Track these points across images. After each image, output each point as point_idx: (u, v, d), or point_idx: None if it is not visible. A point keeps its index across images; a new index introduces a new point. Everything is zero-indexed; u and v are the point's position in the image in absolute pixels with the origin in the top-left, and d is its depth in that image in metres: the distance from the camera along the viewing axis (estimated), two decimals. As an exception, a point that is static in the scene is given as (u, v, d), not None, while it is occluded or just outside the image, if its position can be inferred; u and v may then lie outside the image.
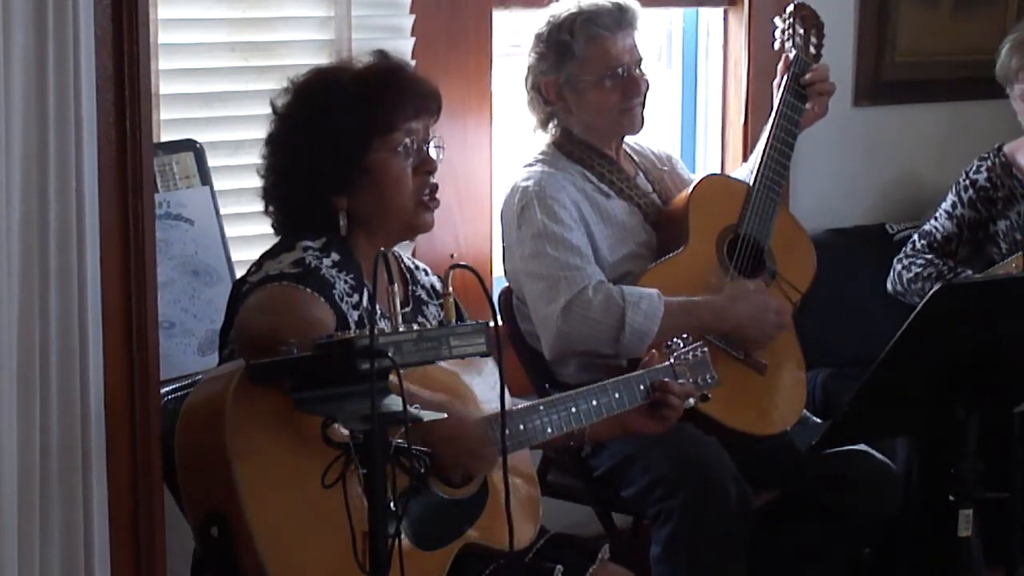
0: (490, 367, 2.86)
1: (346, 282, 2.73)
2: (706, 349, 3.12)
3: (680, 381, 3.03)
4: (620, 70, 3.50)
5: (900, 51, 4.75)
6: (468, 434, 2.66)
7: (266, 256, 2.79)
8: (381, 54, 2.89)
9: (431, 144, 2.85)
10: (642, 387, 2.99)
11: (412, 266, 3.00)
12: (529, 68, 3.57)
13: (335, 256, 2.74)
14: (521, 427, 2.81)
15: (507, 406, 2.86)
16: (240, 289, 2.76)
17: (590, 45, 3.49)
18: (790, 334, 3.61)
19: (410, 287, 2.93)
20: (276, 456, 2.48)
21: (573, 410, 2.89)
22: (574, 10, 3.51)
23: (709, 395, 3.12)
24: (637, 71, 3.54)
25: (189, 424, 2.56)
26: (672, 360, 3.05)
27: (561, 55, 3.51)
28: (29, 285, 2.62)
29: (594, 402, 2.92)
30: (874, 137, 4.74)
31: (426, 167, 2.84)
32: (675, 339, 3.11)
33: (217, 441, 2.44)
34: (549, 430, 2.85)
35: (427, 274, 3.01)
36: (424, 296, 2.96)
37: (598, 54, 3.50)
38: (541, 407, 2.86)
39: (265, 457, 2.47)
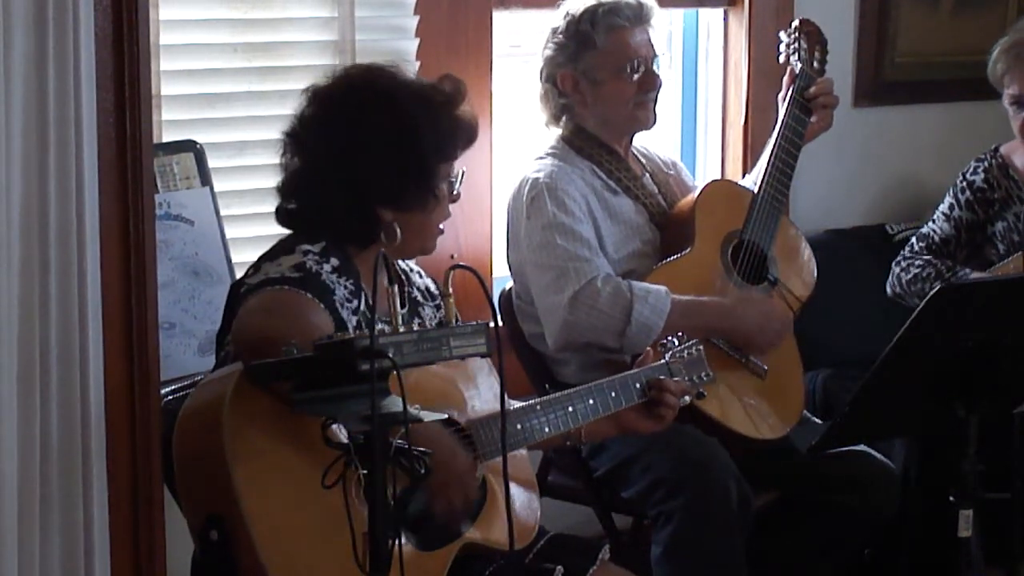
0: (484, 371, 2.86)
1: (345, 287, 2.71)
2: (701, 347, 3.13)
3: (675, 379, 3.04)
4: (638, 63, 3.52)
5: (900, 51, 4.75)
6: (455, 463, 2.63)
7: (264, 259, 2.76)
8: (450, 78, 2.87)
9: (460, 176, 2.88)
10: (638, 385, 3.00)
11: (406, 268, 2.99)
12: (545, 61, 3.58)
13: (334, 261, 2.72)
14: (518, 426, 2.82)
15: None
16: (238, 291, 2.73)
17: (610, 36, 3.50)
18: (789, 338, 3.61)
19: (406, 288, 2.93)
20: (275, 459, 2.48)
21: (570, 409, 2.89)
22: (594, 2, 3.52)
23: (704, 392, 3.13)
24: (653, 66, 3.56)
25: (187, 428, 2.55)
26: (667, 358, 3.06)
27: (581, 46, 3.52)
28: (29, 285, 2.62)
29: (591, 401, 2.93)
30: (874, 138, 4.74)
31: (455, 198, 2.87)
32: (670, 337, 3.12)
33: (215, 445, 2.44)
34: (547, 429, 2.86)
35: (421, 276, 3.01)
36: (420, 298, 2.96)
37: (618, 45, 3.51)
38: (538, 407, 2.87)
39: (264, 460, 2.47)
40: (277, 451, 2.48)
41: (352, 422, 2.24)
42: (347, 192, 2.75)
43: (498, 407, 2.86)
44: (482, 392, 2.83)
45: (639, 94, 3.54)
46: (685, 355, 3.09)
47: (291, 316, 2.58)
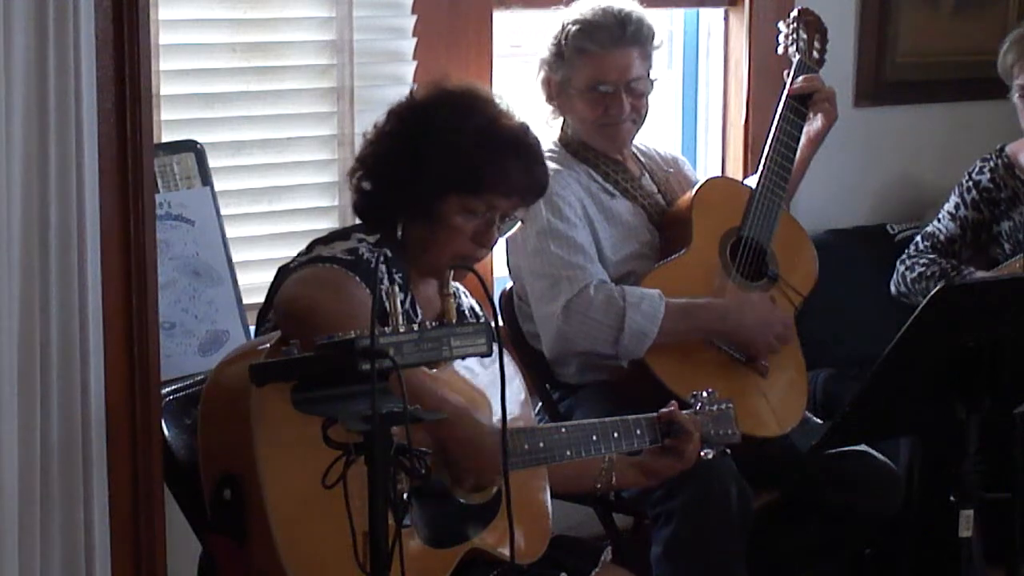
0: (512, 374, 2.88)
1: (395, 281, 2.76)
2: (732, 405, 3.12)
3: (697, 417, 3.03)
4: (603, 88, 3.48)
5: (901, 52, 4.75)
6: (483, 439, 2.65)
7: (318, 242, 2.82)
8: (524, 124, 2.86)
9: (504, 221, 2.84)
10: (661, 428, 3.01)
11: (458, 286, 2.99)
12: (540, 61, 3.57)
13: (387, 253, 2.77)
14: (541, 444, 2.82)
15: (529, 423, 2.91)
16: (286, 269, 2.77)
17: (577, 57, 3.48)
18: (793, 338, 3.61)
19: (455, 300, 2.94)
20: (296, 429, 2.46)
21: (593, 438, 2.89)
22: (577, 17, 3.49)
23: (729, 451, 3.13)
24: (625, 91, 3.48)
25: (218, 382, 2.61)
26: (696, 409, 3.06)
27: (556, 57, 3.52)
28: (29, 285, 2.62)
29: (615, 434, 2.93)
30: (875, 138, 4.74)
31: (482, 240, 2.83)
32: (703, 391, 3.10)
33: (242, 402, 2.46)
34: (568, 452, 2.85)
35: (467, 296, 3.02)
36: (468, 315, 2.96)
37: (583, 67, 3.48)
38: (563, 429, 2.88)
39: (286, 428, 2.46)
40: (299, 424, 2.47)
41: (352, 422, 2.24)
42: (377, 187, 2.84)
43: (525, 417, 2.92)
44: (511, 400, 2.83)
45: (603, 117, 3.51)
46: (714, 409, 3.08)
47: (334, 292, 2.62)
